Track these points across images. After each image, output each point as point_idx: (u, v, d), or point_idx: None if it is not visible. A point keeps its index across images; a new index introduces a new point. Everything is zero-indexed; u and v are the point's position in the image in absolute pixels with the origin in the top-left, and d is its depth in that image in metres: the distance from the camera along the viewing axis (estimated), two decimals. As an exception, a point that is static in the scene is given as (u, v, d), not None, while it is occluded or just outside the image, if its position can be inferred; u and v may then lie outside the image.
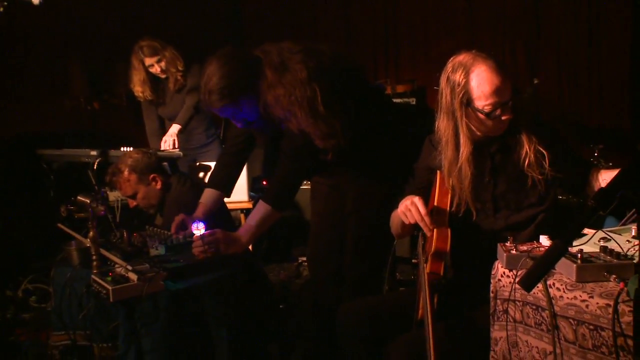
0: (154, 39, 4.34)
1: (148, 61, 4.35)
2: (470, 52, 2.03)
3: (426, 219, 2.00)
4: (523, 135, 2.06)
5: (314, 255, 2.90)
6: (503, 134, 2.07)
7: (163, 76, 4.44)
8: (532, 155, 2.04)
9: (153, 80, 4.47)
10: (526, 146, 2.04)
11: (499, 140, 2.09)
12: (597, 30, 4.70)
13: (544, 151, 2.03)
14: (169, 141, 4.33)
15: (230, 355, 2.36)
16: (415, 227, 2.13)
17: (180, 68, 4.39)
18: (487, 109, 1.98)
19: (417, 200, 2.01)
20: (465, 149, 2.05)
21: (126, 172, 3.07)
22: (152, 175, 3.07)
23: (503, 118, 2.01)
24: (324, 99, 2.35)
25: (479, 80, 1.97)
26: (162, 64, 4.36)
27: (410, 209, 2.02)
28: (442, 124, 2.10)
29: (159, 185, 3.08)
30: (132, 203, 3.16)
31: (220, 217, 2.88)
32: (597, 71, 4.75)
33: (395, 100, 5.11)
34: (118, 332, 2.30)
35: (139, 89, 4.48)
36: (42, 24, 5.19)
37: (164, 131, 4.64)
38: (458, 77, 2.00)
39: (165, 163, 4.00)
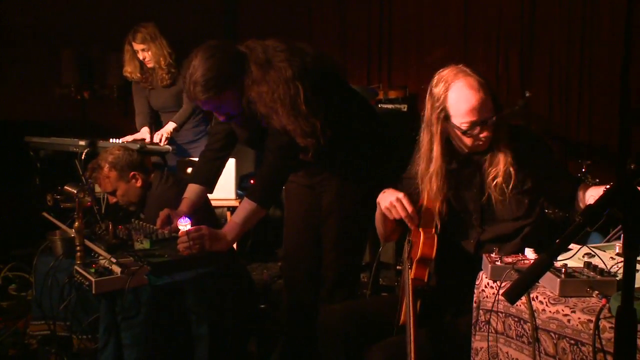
0: (152, 29, 4.31)
1: (135, 46, 4.35)
2: (456, 67, 2.03)
3: (412, 214, 2.01)
4: (506, 152, 2.04)
5: (290, 256, 2.90)
6: (488, 149, 2.07)
7: (150, 65, 4.41)
8: (512, 175, 2.03)
9: (142, 62, 4.45)
10: (502, 164, 2.04)
11: (486, 153, 2.09)
12: (590, 47, 4.74)
13: (520, 172, 2.03)
14: (163, 136, 4.31)
15: (210, 352, 2.34)
16: (399, 227, 2.15)
17: (163, 66, 4.35)
18: (464, 126, 1.99)
19: (402, 196, 2.03)
20: (435, 165, 2.06)
21: (106, 169, 3.05)
22: (132, 173, 3.05)
23: (481, 136, 2.01)
24: (306, 97, 2.36)
25: (457, 98, 1.98)
26: (148, 54, 4.34)
27: (395, 205, 2.03)
28: (423, 136, 2.12)
29: (139, 183, 3.07)
30: (112, 199, 3.15)
31: (204, 214, 2.88)
32: (588, 87, 4.79)
33: (386, 106, 5.12)
34: (98, 324, 2.28)
35: (128, 69, 4.47)
36: (35, 10, 5.17)
37: (153, 117, 4.64)
38: (438, 91, 2.01)
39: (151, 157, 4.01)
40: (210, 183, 2.82)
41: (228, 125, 2.70)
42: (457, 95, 1.98)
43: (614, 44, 4.59)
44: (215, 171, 2.83)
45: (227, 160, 2.88)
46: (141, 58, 4.37)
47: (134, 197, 3.11)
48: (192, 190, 2.78)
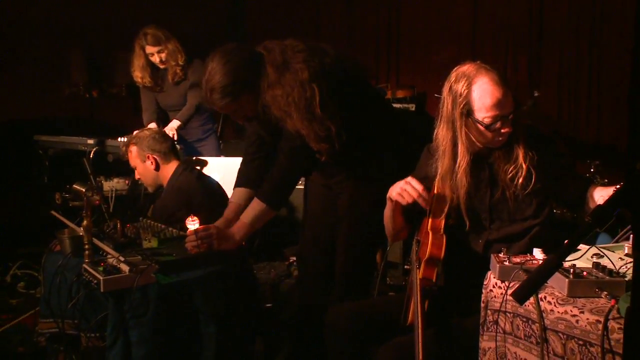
0: (160, 29, 4.33)
1: (149, 49, 4.35)
2: (475, 63, 2.04)
3: (423, 193, 2.02)
4: (520, 150, 2.06)
5: (304, 254, 2.90)
6: (503, 145, 2.08)
7: (162, 67, 4.43)
8: (523, 173, 2.04)
9: (153, 67, 4.47)
10: (520, 161, 2.05)
11: (498, 151, 2.10)
12: (599, 47, 4.72)
13: (533, 171, 2.04)
14: (169, 134, 4.32)
15: (218, 350, 2.35)
16: (408, 224, 2.15)
17: (180, 62, 4.39)
18: (487, 121, 1.99)
19: (410, 179, 2.04)
20: (463, 160, 2.05)
21: (132, 143, 3.20)
22: (148, 154, 3.14)
23: (503, 131, 2.02)
24: (322, 100, 2.34)
25: (481, 92, 1.99)
26: (163, 55, 4.35)
27: (405, 188, 2.04)
28: (441, 133, 2.11)
29: (153, 167, 3.14)
30: (137, 175, 3.28)
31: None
32: (596, 87, 4.77)
33: (394, 105, 5.11)
34: (106, 322, 2.29)
35: (138, 74, 4.48)
36: (44, 9, 5.18)
37: (162, 116, 4.66)
38: (460, 87, 2.01)
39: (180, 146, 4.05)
40: (252, 183, 2.74)
41: (258, 127, 2.70)
42: (481, 90, 2.00)
43: (623, 44, 4.56)
44: (256, 171, 2.77)
45: (268, 159, 2.79)
46: (157, 60, 4.38)
47: (149, 180, 3.22)
48: (236, 194, 2.75)
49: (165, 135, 3.33)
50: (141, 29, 4.36)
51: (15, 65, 5.14)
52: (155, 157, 3.15)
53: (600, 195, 1.98)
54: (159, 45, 4.32)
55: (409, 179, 2.06)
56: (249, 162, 2.79)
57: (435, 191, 2.13)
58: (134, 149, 3.18)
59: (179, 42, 4.38)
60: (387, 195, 2.13)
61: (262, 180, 2.70)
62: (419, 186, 2.03)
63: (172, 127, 4.35)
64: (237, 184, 2.78)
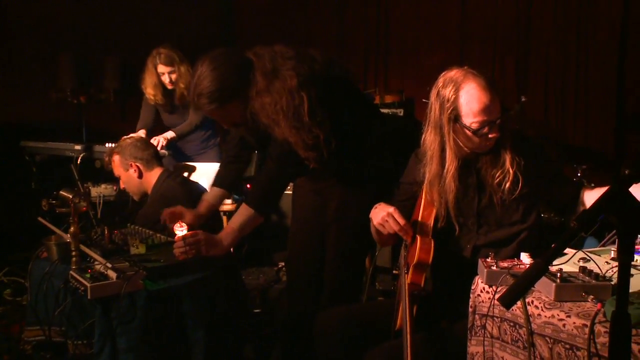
0: (175, 49, 4.32)
1: (160, 68, 4.32)
2: (462, 69, 2.05)
3: (405, 227, 2.01)
4: (507, 155, 2.07)
5: (293, 259, 2.90)
6: (490, 151, 2.09)
7: (170, 87, 4.41)
8: (510, 178, 2.05)
9: (165, 86, 4.45)
10: (507, 166, 2.06)
11: (485, 157, 2.10)
12: (586, 52, 4.75)
13: (519, 176, 2.05)
14: (160, 142, 4.30)
15: (206, 357, 2.34)
16: (395, 235, 2.15)
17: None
18: (474, 126, 2.00)
19: (392, 211, 2.03)
20: (451, 165, 2.06)
21: (114, 153, 3.19)
22: (131, 162, 3.13)
23: (490, 136, 2.03)
24: (311, 108, 2.33)
25: (468, 98, 1.99)
26: (173, 76, 4.33)
27: (387, 220, 2.04)
28: (429, 138, 2.11)
29: (136, 174, 3.14)
30: (122, 185, 3.28)
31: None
32: (583, 92, 4.80)
33: (382, 110, 5.12)
34: (94, 329, 2.27)
35: (150, 91, 4.44)
36: (33, 13, 5.16)
37: (160, 129, 4.63)
38: (448, 92, 2.01)
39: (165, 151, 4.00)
40: (227, 185, 2.86)
41: (242, 131, 2.72)
42: (469, 96, 2.00)
43: (610, 49, 4.60)
44: (232, 174, 2.86)
45: (247, 163, 2.92)
46: (166, 80, 4.35)
47: (134, 188, 3.21)
48: (211, 193, 2.86)
49: (147, 142, 3.31)
50: (155, 48, 4.34)
51: (3, 69, 5.11)
52: (138, 164, 3.13)
53: (595, 196, 1.98)
54: (171, 66, 4.30)
55: (392, 210, 2.05)
56: (227, 164, 2.86)
57: (417, 217, 2.13)
58: (116, 158, 3.17)
59: (191, 66, 4.36)
60: (370, 216, 2.13)
61: (236, 184, 2.87)
62: (401, 220, 2.03)
63: (164, 137, 4.32)
64: (213, 184, 2.87)
